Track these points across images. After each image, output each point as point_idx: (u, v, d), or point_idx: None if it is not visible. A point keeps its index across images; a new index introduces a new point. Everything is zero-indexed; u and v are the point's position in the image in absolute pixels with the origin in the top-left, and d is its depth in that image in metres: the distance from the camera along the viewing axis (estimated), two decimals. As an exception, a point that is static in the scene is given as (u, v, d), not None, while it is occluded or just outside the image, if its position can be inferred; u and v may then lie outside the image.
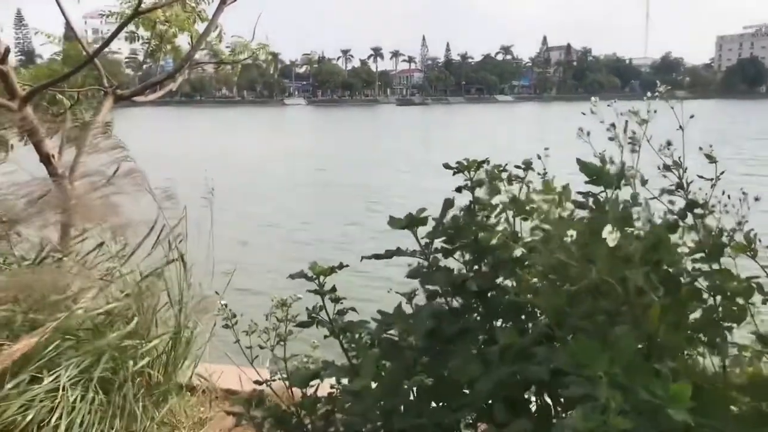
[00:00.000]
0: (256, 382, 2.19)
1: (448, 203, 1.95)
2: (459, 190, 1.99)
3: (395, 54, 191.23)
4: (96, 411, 3.07)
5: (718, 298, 1.88)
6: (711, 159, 1.94)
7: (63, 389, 2.94)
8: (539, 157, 2.11)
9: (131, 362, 3.24)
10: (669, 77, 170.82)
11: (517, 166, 2.01)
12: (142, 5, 5.31)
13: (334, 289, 1.97)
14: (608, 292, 1.58)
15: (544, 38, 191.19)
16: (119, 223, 4.15)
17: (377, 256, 1.92)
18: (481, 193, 1.97)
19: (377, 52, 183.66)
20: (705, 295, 1.88)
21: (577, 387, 1.38)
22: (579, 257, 1.58)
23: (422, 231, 2.07)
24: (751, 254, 1.85)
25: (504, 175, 1.99)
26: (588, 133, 1.98)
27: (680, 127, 2.01)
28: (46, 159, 4.89)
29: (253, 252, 12.67)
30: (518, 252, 1.64)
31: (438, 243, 1.96)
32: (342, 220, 19.01)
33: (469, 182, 1.96)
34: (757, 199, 1.84)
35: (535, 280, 1.69)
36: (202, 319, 3.60)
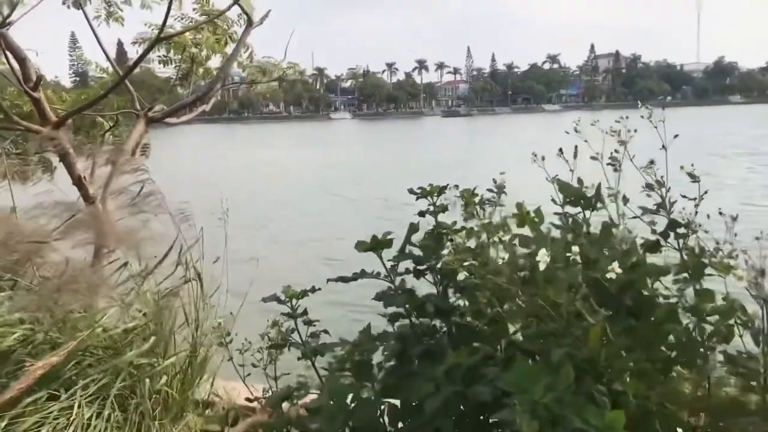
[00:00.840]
0: (247, 399, 2.24)
1: (413, 227, 1.97)
2: (422, 214, 2.00)
3: (440, 66, 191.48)
4: (112, 428, 3.16)
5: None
6: (693, 177, 1.91)
7: (79, 406, 3.04)
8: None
9: (148, 380, 3.32)
10: (722, 82, 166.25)
11: (489, 190, 2.01)
12: (171, 31, 5.48)
13: (305, 312, 2.01)
14: (550, 316, 1.57)
15: (592, 46, 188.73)
16: (144, 244, 4.30)
17: (343, 279, 1.95)
18: (456, 215, 1.99)
19: (422, 65, 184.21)
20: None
21: (501, 413, 1.38)
22: (515, 281, 1.57)
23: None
24: (736, 276, 1.81)
25: (476, 199, 2.00)
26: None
27: (663, 146, 1.99)
28: (78, 181, 5.09)
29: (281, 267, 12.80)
30: (461, 276, 1.65)
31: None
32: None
33: (432, 207, 1.98)
34: (734, 219, 1.80)
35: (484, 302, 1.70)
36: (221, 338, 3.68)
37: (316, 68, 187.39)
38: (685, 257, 1.85)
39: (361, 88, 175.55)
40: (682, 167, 1.94)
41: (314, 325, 2.04)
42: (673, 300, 1.74)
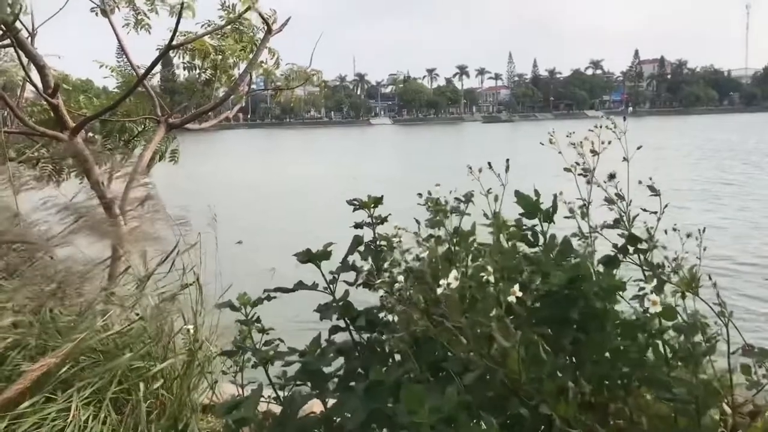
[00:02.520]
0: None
1: (357, 240, 1.95)
2: (359, 226, 1.98)
3: (481, 71, 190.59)
4: (108, 430, 3.21)
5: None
6: (653, 191, 1.86)
7: (76, 408, 3.10)
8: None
9: (143, 383, 3.36)
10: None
11: (457, 198, 1.98)
12: (183, 38, 5.57)
13: (258, 320, 2.01)
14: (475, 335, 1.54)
15: (636, 51, 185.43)
16: (150, 248, 4.38)
17: (282, 290, 1.95)
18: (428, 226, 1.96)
19: (463, 70, 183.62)
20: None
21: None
22: (432, 299, 1.54)
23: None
24: (693, 291, 1.76)
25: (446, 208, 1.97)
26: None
27: (624, 158, 1.94)
28: (95, 185, 5.20)
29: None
30: (381, 292, 1.62)
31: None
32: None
33: (371, 219, 1.95)
34: (688, 236, 1.74)
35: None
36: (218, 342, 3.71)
37: (357, 74, 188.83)
38: (646, 273, 1.80)
39: (401, 94, 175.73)
40: (640, 182, 1.89)
41: (268, 333, 2.04)
42: (632, 317, 1.69)
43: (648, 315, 1.64)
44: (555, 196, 1.81)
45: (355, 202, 2.01)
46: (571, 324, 1.58)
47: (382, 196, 2.04)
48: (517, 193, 1.82)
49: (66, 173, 6.69)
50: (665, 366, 1.72)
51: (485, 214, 2.02)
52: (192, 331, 3.25)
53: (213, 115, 7.44)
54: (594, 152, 2.03)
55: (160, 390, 3.53)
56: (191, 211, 4.92)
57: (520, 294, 1.51)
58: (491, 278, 1.60)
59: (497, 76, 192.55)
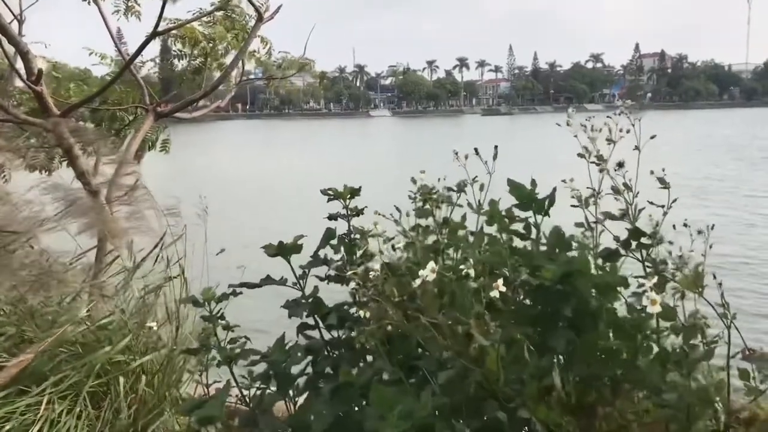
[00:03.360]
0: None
1: (329, 233, 1.86)
2: (333, 218, 1.89)
3: (481, 64, 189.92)
4: (83, 425, 3.12)
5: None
6: (663, 183, 1.76)
7: (49, 402, 3.01)
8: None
9: (122, 377, 3.28)
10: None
11: (448, 188, 1.88)
12: (168, 25, 5.46)
13: (222, 317, 1.92)
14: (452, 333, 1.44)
15: (637, 45, 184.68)
16: (135, 239, 4.28)
17: (247, 285, 1.86)
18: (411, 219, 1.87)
19: (463, 62, 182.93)
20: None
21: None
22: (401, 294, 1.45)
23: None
24: (698, 291, 1.66)
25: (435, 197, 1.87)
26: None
27: (636, 147, 1.84)
28: (81, 175, 5.10)
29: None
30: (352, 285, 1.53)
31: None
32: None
33: (346, 210, 1.86)
34: (700, 232, 1.65)
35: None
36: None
37: (356, 65, 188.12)
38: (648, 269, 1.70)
39: (400, 86, 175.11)
40: (652, 172, 1.79)
41: (233, 330, 1.95)
42: (628, 315, 1.60)
43: (644, 314, 1.55)
44: (554, 188, 1.72)
45: (330, 192, 1.92)
46: (562, 322, 1.49)
47: (360, 187, 1.95)
48: (510, 182, 1.73)
49: (57, 161, 6.59)
50: (660, 369, 1.63)
51: (470, 204, 1.92)
52: (156, 328, 3.16)
53: (205, 104, 7.32)
54: (610, 141, 1.94)
55: (139, 385, 3.45)
56: (181, 202, 4.82)
57: (503, 289, 1.42)
58: (471, 272, 1.51)
59: (497, 69, 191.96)
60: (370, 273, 1.54)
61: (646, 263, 1.75)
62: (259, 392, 1.87)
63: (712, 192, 27.38)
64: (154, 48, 6.97)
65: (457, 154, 1.72)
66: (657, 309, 1.44)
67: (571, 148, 1.93)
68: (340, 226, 2.11)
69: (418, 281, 1.43)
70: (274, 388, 1.83)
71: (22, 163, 7.01)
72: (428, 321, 1.42)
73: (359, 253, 1.76)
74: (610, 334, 1.56)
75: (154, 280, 3.75)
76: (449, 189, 1.90)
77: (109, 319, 3.45)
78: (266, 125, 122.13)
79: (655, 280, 1.57)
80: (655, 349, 1.61)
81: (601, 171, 1.96)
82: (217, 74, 7.15)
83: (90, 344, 3.37)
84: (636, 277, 1.66)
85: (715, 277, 1.68)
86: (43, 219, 3.91)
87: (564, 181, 1.93)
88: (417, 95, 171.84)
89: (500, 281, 1.42)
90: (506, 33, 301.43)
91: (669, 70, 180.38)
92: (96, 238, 4.51)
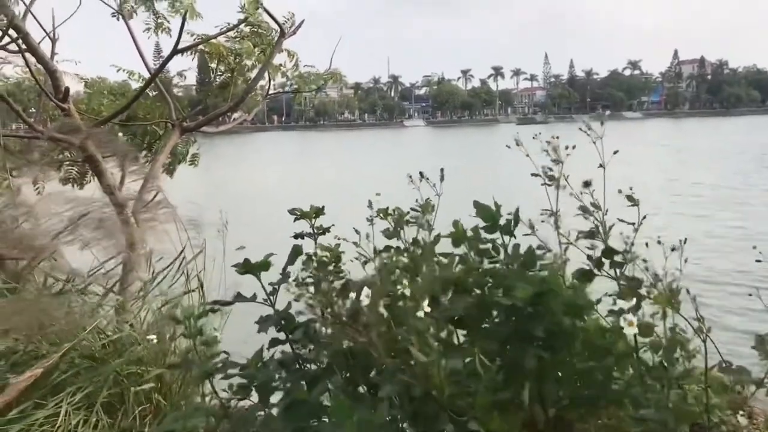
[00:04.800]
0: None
1: (296, 250, 1.88)
2: (300, 236, 1.92)
3: (516, 72, 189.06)
4: (99, 435, 3.21)
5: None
6: (632, 201, 1.75)
7: (65, 414, 3.10)
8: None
9: (134, 388, 3.35)
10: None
11: (412, 209, 1.90)
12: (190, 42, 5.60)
13: (201, 332, 1.96)
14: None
15: (675, 51, 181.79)
16: (158, 251, 4.39)
17: (219, 303, 1.90)
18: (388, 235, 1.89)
19: (498, 71, 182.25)
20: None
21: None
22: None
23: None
24: (673, 307, 1.65)
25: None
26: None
27: (601, 164, 1.84)
28: (108, 189, 5.24)
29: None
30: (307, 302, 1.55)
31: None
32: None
33: (312, 230, 1.89)
34: (673, 249, 1.64)
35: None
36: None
37: (391, 76, 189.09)
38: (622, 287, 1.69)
39: (435, 96, 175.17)
40: (620, 191, 1.78)
41: (213, 346, 1.99)
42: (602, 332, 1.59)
43: (617, 332, 1.54)
44: (517, 208, 1.73)
45: (296, 212, 1.96)
46: (533, 341, 1.49)
47: (323, 206, 1.99)
48: (476, 204, 1.73)
49: (90, 176, 6.79)
50: (638, 386, 1.61)
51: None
52: (156, 341, 3.23)
53: (229, 118, 7.46)
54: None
55: (154, 394, 3.52)
56: (203, 216, 4.91)
57: (428, 309, 1.42)
58: (407, 291, 1.52)
59: (533, 77, 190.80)
60: (329, 292, 1.56)
61: (621, 281, 1.74)
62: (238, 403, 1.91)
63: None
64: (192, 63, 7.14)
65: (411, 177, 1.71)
66: (634, 330, 1.44)
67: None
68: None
69: (365, 301, 1.46)
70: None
71: (56, 175, 7.24)
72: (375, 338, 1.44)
73: (313, 269, 1.80)
74: (582, 354, 1.56)
75: (173, 292, 3.83)
76: (413, 209, 1.92)
77: (126, 332, 3.53)
78: (301, 136, 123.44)
79: (632, 301, 1.57)
80: (632, 365, 1.60)
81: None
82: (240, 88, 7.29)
83: (103, 357, 3.45)
84: (610, 295, 1.66)
85: (689, 292, 1.66)
86: (66, 234, 4.04)
87: (517, 208, 1.91)
88: (451, 104, 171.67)
89: (426, 302, 1.43)
90: (542, 41, 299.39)
91: (709, 77, 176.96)
92: (120, 254, 4.63)
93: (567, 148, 1.99)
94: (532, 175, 1.82)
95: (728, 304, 12.01)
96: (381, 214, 1.91)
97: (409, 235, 1.91)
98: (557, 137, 2.08)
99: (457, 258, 1.67)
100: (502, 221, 1.77)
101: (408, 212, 1.91)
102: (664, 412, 1.40)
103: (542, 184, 1.96)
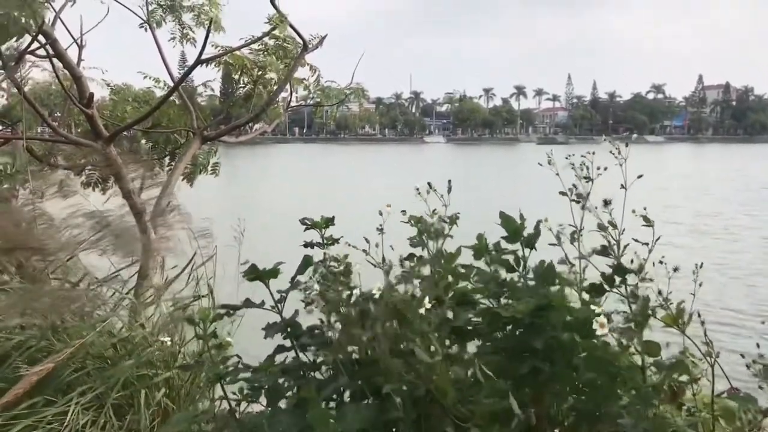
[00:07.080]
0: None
1: (307, 260, 1.92)
2: (310, 246, 1.96)
3: (539, 92, 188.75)
4: (107, 436, 3.25)
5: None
6: (647, 222, 1.77)
7: (74, 413, 3.15)
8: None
9: (145, 390, 3.40)
10: None
11: (442, 219, 1.93)
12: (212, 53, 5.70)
13: (215, 335, 2.00)
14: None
15: (700, 77, 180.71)
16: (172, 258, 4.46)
17: (230, 307, 1.94)
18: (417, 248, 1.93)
19: (520, 90, 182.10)
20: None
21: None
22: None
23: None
24: (680, 328, 1.67)
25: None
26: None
27: (623, 185, 1.87)
28: (127, 195, 5.33)
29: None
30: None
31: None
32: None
33: (322, 239, 1.93)
34: (675, 269, 1.66)
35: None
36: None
37: (412, 92, 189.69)
38: (632, 305, 1.71)
39: (456, 113, 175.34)
40: (633, 211, 1.80)
41: (226, 349, 2.03)
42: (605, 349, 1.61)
43: (620, 349, 1.56)
44: (538, 222, 1.76)
45: (307, 222, 2.00)
46: (533, 354, 1.52)
47: (333, 216, 2.03)
48: (502, 214, 1.77)
49: (111, 181, 6.90)
50: (641, 404, 1.63)
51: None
52: (169, 342, 3.28)
53: (250, 129, 7.54)
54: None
55: (163, 398, 3.56)
56: (219, 224, 4.98)
57: (429, 306, 1.45)
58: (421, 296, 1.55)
59: (555, 98, 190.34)
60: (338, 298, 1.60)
61: (630, 299, 1.76)
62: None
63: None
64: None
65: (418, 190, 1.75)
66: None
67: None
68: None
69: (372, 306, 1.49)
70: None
71: (80, 179, 7.37)
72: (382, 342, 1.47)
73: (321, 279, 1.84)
74: (582, 369, 1.58)
75: (184, 298, 3.89)
76: (442, 220, 1.96)
77: (136, 333, 3.59)
78: (322, 149, 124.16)
79: (637, 318, 1.59)
80: (636, 382, 1.62)
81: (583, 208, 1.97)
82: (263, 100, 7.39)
83: (114, 357, 3.51)
84: (620, 312, 1.68)
85: (699, 315, 1.68)
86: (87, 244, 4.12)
87: (539, 220, 1.94)
88: (472, 122, 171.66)
89: (426, 300, 1.46)
90: (565, 62, 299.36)
91: (733, 103, 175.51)
92: (138, 261, 4.71)
93: (599, 168, 2.02)
94: (560, 193, 1.86)
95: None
96: (411, 221, 1.95)
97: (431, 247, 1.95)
98: (593, 152, 2.10)
99: (474, 269, 1.70)
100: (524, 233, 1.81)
101: (433, 223, 1.95)
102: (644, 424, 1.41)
103: (571, 200, 1.99)
